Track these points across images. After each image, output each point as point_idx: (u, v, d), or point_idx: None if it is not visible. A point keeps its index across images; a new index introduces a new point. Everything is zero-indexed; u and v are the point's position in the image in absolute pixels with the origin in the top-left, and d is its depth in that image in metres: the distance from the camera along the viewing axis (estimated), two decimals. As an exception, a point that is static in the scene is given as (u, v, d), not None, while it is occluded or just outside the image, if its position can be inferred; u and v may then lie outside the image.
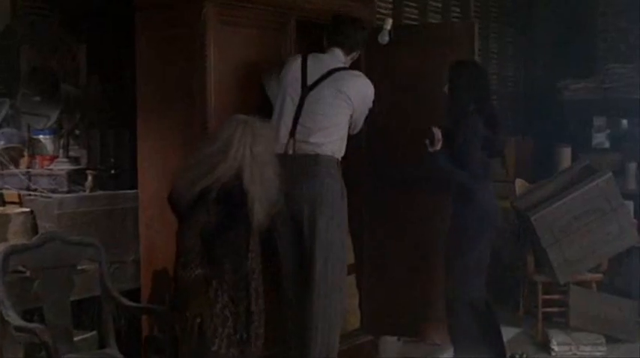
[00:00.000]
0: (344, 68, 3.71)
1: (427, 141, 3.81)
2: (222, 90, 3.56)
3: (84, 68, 4.23)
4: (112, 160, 4.25)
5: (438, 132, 3.79)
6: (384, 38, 4.01)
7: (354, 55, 3.81)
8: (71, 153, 4.23)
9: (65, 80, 4.17)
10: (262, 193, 2.90)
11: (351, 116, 3.66)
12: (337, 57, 3.73)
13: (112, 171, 4.26)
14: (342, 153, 3.67)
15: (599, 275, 4.97)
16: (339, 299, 3.61)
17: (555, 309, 5.04)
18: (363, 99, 3.69)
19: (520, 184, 5.31)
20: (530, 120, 6.87)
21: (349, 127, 3.68)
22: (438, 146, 3.79)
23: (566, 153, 6.02)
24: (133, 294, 3.76)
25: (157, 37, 3.68)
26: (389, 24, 4.02)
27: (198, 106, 3.52)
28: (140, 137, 3.81)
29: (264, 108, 3.64)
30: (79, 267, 3.38)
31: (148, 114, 3.77)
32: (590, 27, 6.61)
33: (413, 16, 5.72)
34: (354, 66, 3.96)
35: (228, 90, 3.60)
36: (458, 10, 6.20)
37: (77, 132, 4.29)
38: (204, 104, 3.50)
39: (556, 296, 5.03)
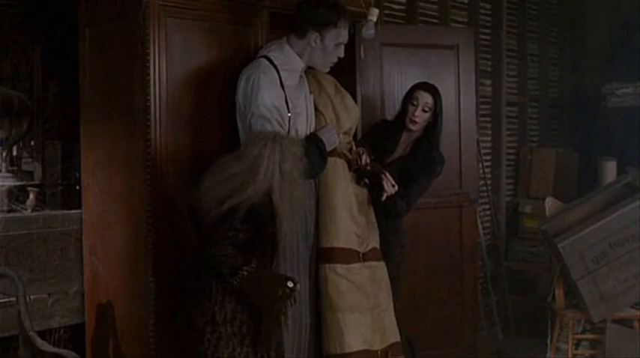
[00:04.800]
0: (262, 56, 3.12)
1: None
2: (171, 96, 3.01)
3: (38, 71, 3.80)
4: (77, 175, 3.83)
5: (389, 177, 3.35)
6: (369, 32, 3.37)
7: (312, 37, 3.09)
8: (25, 167, 3.83)
9: (15, 84, 3.76)
10: (291, 213, 2.83)
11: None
12: (280, 43, 3.15)
13: (77, 187, 3.85)
14: None
15: (642, 313, 4.22)
16: None
17: (591, 351, 4.41)
18: (242, 94, 3.06)
19: (551, 203, 4.56)
20: (575, 130, 6.14)
21: None
22: (395, 189, 3.36)
23: (610, 168, 5.34)
24: (78, 330, 3.37)
25: (101, 30, 3.17)
26: (374, 15, 3.37)
27: (140, 114, 2.98)
28: (84, 148, 3.31)
29: (224, 121, 3.13)
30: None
31: (91, 122, 3.27)
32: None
33: (431, 13, 5.03)
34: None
35: (178, 96, 3.04)
36: (488, 6, 5.51)
37: (32, 143, 3.89)
38: (146, 112, 2.95)
39: (591, 336, 4.38)
